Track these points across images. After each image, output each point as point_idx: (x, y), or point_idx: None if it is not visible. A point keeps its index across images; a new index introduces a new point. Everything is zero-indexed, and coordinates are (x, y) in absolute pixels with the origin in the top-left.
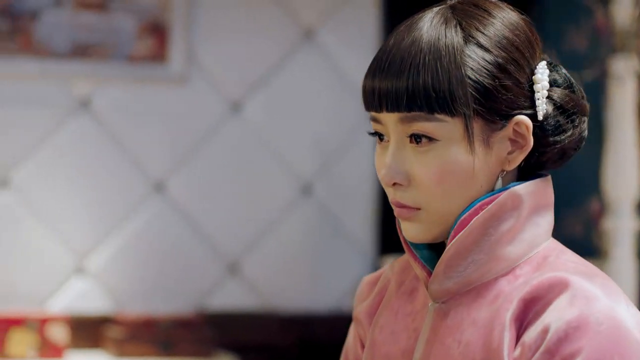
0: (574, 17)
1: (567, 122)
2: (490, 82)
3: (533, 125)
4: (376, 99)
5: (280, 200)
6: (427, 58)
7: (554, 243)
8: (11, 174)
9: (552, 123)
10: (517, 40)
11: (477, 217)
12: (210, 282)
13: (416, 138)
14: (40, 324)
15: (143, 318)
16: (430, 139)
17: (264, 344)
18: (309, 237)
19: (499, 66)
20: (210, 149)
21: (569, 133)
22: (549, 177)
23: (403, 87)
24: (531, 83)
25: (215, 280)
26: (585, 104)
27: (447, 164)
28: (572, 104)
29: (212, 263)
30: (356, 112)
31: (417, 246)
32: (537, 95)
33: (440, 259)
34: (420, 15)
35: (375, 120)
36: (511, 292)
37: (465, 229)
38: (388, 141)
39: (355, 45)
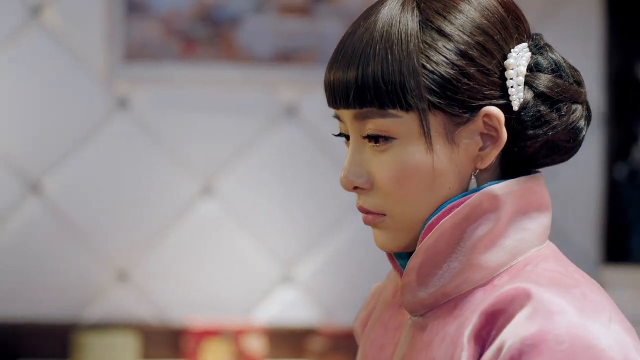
0: None
1: (551, 112)
2: (448, 70)
3: (508, 117)
4: (331, 94)
5: None
6: (378, 47)
7: (547, 249)
8: (216, 183)
9: (531, 114)
10: (486, 22)
11: (444, 220)
12: None
13: (373, 137)
14: (236, 335)
15: (347, 330)
16: (387, 138)
17: None
18: None
19: (460, 53)
20: None
21: (553, 124)
22: (540, 174)
23: (352, 80)
24: (503, 69)
25: None
26: (578, 89)
27: (405, 164)
28: (557, 90)
29: None
30: None
31: (400, 255)
32: (509, 82)
33: (407, 267)
34: None
35: (338, 118)
36: (478, 305)
37: (431, 233)
38: None
39: (577, 46)
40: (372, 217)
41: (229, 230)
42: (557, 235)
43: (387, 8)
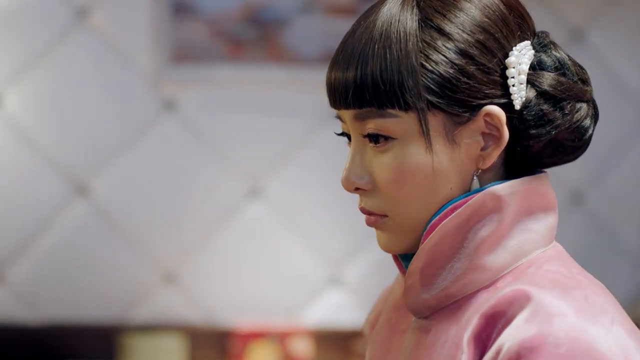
0: None
1: (554, 111)
2: (447, 69)
3: (510, 116)
4: (331, 94)
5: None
6: (376, 46)
7: (552, 250)
8: (262, 184)
9: (534, 112)
10: (486, 20)
11: (445, 221)
12: None
13: (373, 137)
14: (282, 337)
15: None
16: (387, 138)
17: None
18: (580, 248)
19: (459, 51)
20: None
21: (556, 123)
22: (545, 174)
23: (351, 80)
24: (504, 67)
25: None
26: (583, 87)
27: (405, 164)
28: (560, 88)
29: None
30: (630, 116)
31: (405, 256)
32: (510, 81)
33: (409, 268)
34: None
35: (340, 118)
36: (479, 306)
37: (433, 234)
38: None
39: (627, 46)
40: (374, 218)
41: (276, 232)
42: (609, 242)
43: (386, 7)
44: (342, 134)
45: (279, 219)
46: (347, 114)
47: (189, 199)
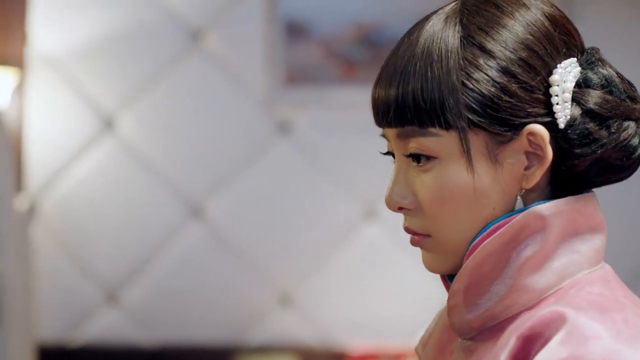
0: None
1: (600, 129)
2: (488, 88)
3: (555, 135)
4: (375, 112)
5: None
6: (418, 64)
7: (599, 272)
8: (378, 206)
9: (579, 131)
10: (530, 37)
11: (487, 241)
12: None
13: (415, 156)
14: (396, 359)
15: None
16: (429, 157)
17: None
18: None
19: (501, 69)
20: None
21: (602, 142)
22: (592, 194)
23: (393, 98)
24: (548, 85)
25: None
26: (631, 105)
27: (447, 184)
28: (606, 106)
29: None
30: None
31: (452, 277)
32: (554, 99)
33: (452, 289)
34: (431, 13)
35: (384, 137)
36: (518, 327)
37: (474, 254)
38: None
39: None
40: (418, 238)
41: (392, 254)
42: None
43: (430, 23)
44: (387, 153)
45: (395, 241)
46: (391, 132)
47: (305, 221)
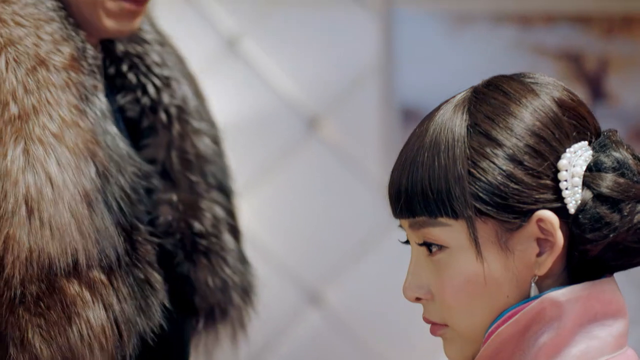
0: None
1: (612, 213)
2: (495, 176)
3: (566, 220)
4: (390, 204)
5: None
6: (426, 154)
7: (621, 357)
8: None
9: (589, 215)
10: (537, 123)
11: (501, 328)
12: None
13: (427, 245)
14: None
15: None
16: (440, 247)
17: None
18: None
19: (508, 157)
20: None
21: (614, 226)
22: (611, 278)
23: (403, 189)
24: (556, 170)
25: None
26: None
27: (457, 274)
28: (618, 190)
29: None
30: None
31: None
32: (562, 184)
33: None
34: (443, 102)
35: (402, 227)
36: None
37: (489, 342)
38: None
39: None
40: (436, 327)
41: None
42: None
43: (440, 113)
44: (407, 242)
45: None
46: (405, 222)
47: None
